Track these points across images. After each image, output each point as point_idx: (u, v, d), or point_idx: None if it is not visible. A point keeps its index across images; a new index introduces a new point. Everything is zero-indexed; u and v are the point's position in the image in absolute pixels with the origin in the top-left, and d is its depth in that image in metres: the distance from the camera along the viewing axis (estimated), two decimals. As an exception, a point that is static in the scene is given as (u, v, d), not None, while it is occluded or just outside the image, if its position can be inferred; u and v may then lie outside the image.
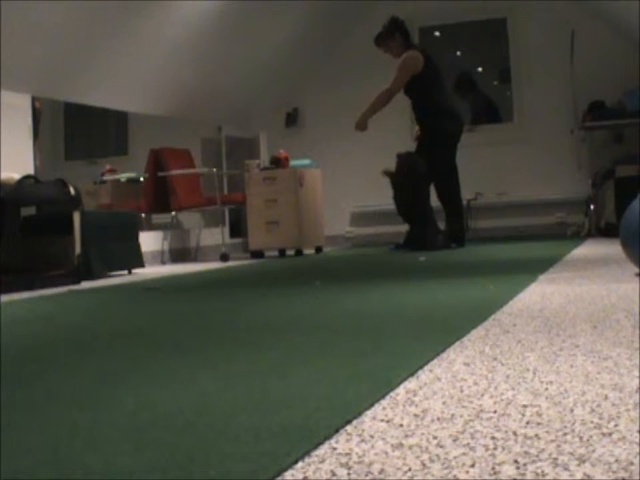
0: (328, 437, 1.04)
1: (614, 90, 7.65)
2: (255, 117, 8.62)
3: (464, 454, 0.94)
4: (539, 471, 0.86)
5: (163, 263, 6.85)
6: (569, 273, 3.53)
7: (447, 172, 6.35)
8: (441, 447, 0.98)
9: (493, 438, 1.00)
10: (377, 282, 3.74)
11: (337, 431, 1.07)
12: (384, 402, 1.23)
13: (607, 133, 7.90)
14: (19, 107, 5.54)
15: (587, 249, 5.34)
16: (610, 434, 0.99)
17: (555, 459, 0.90)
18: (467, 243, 6.51)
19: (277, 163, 6.92)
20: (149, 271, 5.72)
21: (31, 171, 5.35)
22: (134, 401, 1.34)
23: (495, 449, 0.96)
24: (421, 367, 1.49)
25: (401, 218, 6.33)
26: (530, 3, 8.30)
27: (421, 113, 6.38)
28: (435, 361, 1.56)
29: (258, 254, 6.88)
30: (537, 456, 0.92)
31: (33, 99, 6.37)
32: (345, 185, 8.53)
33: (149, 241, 6.52)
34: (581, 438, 0.98)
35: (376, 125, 6.88)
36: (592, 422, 1.05)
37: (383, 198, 6.87)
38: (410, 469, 0.90)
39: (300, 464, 0.94)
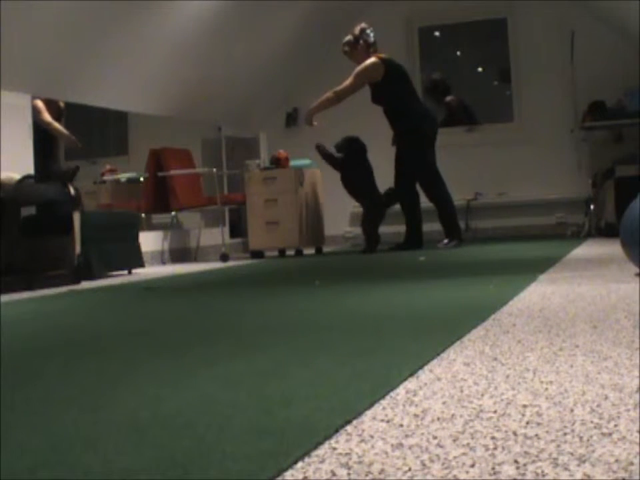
0: (328, 437, 1.04)
1: (614, 90, 7.65)
2: (255, 117, 8.62)
3: (464, 454, 0.94)
4: (539, 471, 0.86)
5: (163, 263, 6.85)
6: (569, 272, 3.53)
7: (429, 173, 6.38)
8: (441, 447, 0.98)
9: (493, 438, 1.00)
10: (376, 282, 3.74)
11: (336, 431, 1.07)
12: (384, 402, 1.23)
13: (607, 133, 7.90)
14: (19, 107, 5.54)
15: (587, 249, 5.34)
16: (610, 434, 0.99)
17: (555, 458, 0.90)
18: (466, 243, 6.51)
19: (277, 163, 6.92)
20: (149, 271, 5.72)
21: (31, 170, 5.35)
22: (134, 401, 1.34)
23: (495, 448, 0.96)
24: (421, 367, 1.49)
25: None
26: (530, 3, 8.30)
27: (394, 118, 6.41)
28: (435, 361, 1.56)
29: (258, 254, 6.88)
30: (537, 456, 0.92)
31: (56, 101, 6.41)
32: (345, 185, 8.52)
33: (149, 241, 6.52)
34: (580, 438, 0.98)
35: (376, 126, 6.90)
36: (592, 422, 1.05)
37: (383, 198, 6.86)
38: (410, 469, 0.90)
39: (300, 464, 0.94)
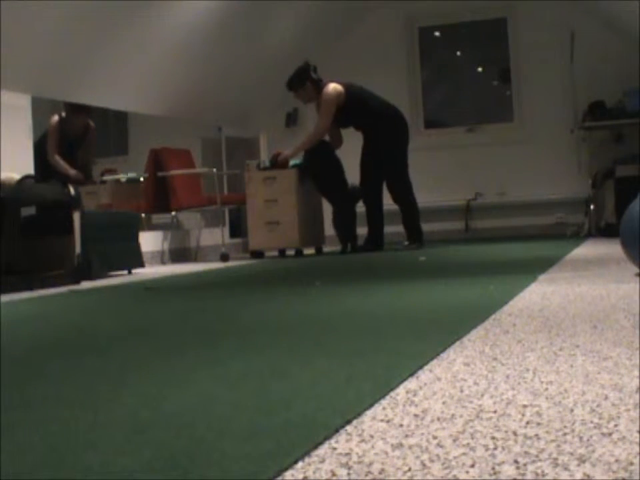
0: (328, 437, 1.04)
1: (614, 90, 7.65)
2: (255, 117, 8.61)
3: (464, 454, 0.94)
4: (539, 471, 0.86)
5: (163, 262, 6.85)
6: (569, 273, 3.53)
7: (400, 173, 6.38)
8: (441, 447, 0.98)
9: (493, 438, 1.00)
10: (377, 282, 3.74)
11: (336, 431, 1.07)
12: (384, 402, 1.23)
13: (607, 133, 7.90)
14: (18, 107, 5.54)
15: (587, 249, 5.34)
16: (610, 434, 0.99)
17: (555, 458, 0.90)
18: (466, 243, 6.51)
19: (277, 163, 6.92)
20: (149, 271, 5.72)
21: (31, 170, 5.35)
22: (134, 401, 1.34)
23: (495, 448, 0.96)
24: (420, 367, 1.49)
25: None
26: (530, 3, 8.30)
27: (369, 125, 6.37)
28: (435, 361, 1.55)
29: (258, 254, 6.88)
30: (537, 456, 0.92)
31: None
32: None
33: (149, 241, 6.52)
34: (580, 438, 0.98)
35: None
36: (592, 422, 1.05)
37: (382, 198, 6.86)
38: (410, 469, 0.90)
39: (300, 464, 0.94)
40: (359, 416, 1.15)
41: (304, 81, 6.37)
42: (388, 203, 6.56)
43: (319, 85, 6.37)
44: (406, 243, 6.45)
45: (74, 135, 6.96)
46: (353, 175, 6.59)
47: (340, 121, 6.46)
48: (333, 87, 6.33)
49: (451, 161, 8.35)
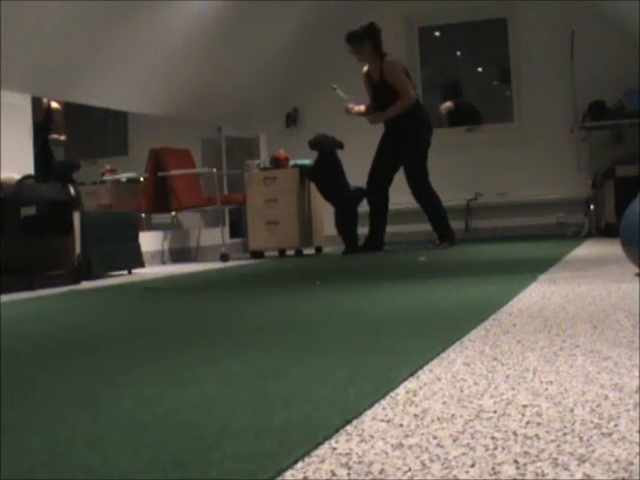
0: (328, 437, 1.04)
1: (614, 90, 7.65)
2: (255, 117, 8.61)
3: (464, 454, 0.94)
4: (539, 471, 0.86)
5: (163, 262, 6.85)
6: (569, 272, 3.53)
7: (421, 174, 6.33)
8: (441, 447, 0.98)
9: (493, 438, 1.00)
10: (376, 282, 3.74)
11: (337, 431, 1.07)
12: (384, 402, 1.23)
13: (607, 133, 7.90)
14: (19, 107, 5.54)
15: (587, 249, 5.34)
16: (610, 434, 0.99)
17: (555, 458, 0.90)
18: (466, 243, 6.50)
19: (277, 163, 6.92)
20: (149, 271, 5.72)
21: (31, 170, 5.35)
22: (134, 401, 1.34)
23: (495, 448, 0.96)
24: (420, 367, 1.49)
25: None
26: (530, 3, 8.30)
27: (400, 117, 6.33)
28: (435, 361, 1.55)
29: (258, 254, 6.88)
30: (537, 456, 0.92)
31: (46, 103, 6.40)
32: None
33: (149, 241, 6.52)
34: (580, 438, 0.98)
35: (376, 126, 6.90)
36: (592, 422, 1.05)
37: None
38: (410, 469, 0.90)
39: (300, 464, 0.94)
40: (359, 416, 1.15)
41: (365, 39, 6.29)
42: (391, 203, 6.53)
43: (378, 51, 6.27)
44: (437, 242, 6.37)
45: (35, 119, 6.86)
46: (354, 175, 6.58)
47: (379, 102, 6.35)
48: (399, 62, 6.37)
49: (451, 161, 8.34)
